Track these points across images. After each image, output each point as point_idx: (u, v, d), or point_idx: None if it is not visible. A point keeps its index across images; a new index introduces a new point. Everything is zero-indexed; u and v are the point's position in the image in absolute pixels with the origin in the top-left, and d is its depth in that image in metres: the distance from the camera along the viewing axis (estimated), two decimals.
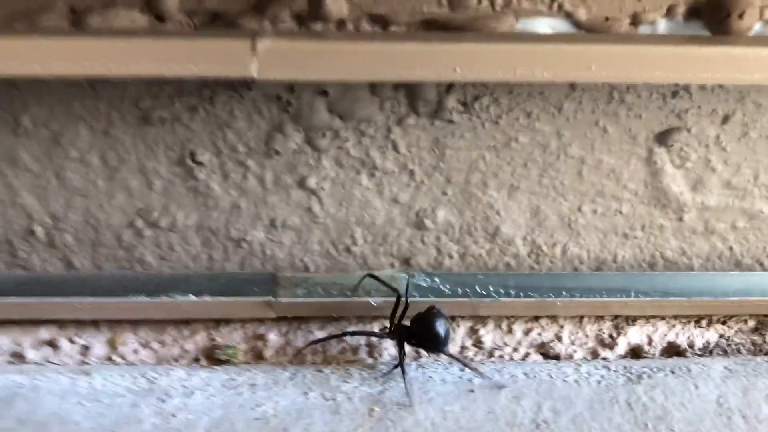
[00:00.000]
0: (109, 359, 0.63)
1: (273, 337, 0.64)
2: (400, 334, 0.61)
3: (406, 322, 0.62)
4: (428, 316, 0.61)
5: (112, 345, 0.64)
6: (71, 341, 0.64)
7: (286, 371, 0.59)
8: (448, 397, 0.55)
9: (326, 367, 0.60)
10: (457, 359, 0.61)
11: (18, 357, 0.64)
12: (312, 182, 0.65)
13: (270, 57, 0.53)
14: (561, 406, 0.54)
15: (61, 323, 0.65)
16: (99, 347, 0.64)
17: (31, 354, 0.63)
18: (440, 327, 0.60)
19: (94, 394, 0.56)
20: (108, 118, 0.62)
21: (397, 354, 0.59)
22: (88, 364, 0.62)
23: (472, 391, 0.56)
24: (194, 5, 0.59)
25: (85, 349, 0.64)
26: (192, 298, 0.64)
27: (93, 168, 0.64)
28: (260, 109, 0.62)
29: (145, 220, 0.66)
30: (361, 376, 0.58)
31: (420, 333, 0.60)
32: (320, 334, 0.64)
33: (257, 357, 0.63)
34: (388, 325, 0.62)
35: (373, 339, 0.64)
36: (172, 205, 0.66)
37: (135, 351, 0.64)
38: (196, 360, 0.62)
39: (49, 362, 0.63)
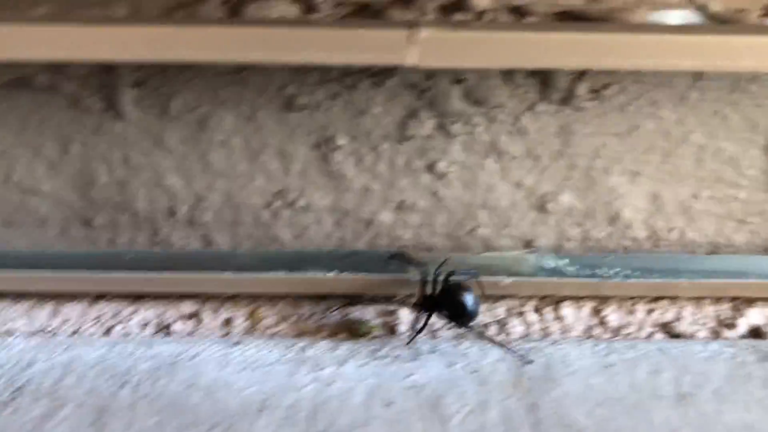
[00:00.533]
0: (251, 332, 0.67)
1: (404, 313, 0.68)
2: (428, 306, 0.65)
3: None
4: (456, 289, 0.65)
5: (253, 318, 0.68)
6: (214, 314, 0.68)
7: (425, 344, 0.62)
8: (589, 370, 0.58)
9: (464, 340, 0.63)
10: (485, 336, 0.64)
11: (164, 329, 0.67)
12: (441, 166, 0.68)
13: (430, 46, 0.56)
14: (700, 380, 0.57)
15: (203, 297, 0.69)
16: (240, 320, 0.68)
17: (177, 326, 0.67)
18: (468, 299, 0.64)
19: (249, 363, 0.60)
20: (253, 104, 0.66)
21: (422, 323, 0.64)
22: (231, 336, 0.66)
23: (610, 366, 0.59)
24: None
25: (227, 322, 0.68)
26: (329, 274, 0.68)
27: (236, 151, 0.68)
28: (397, 96, 0.65)
29: (282, 201, 0.69)
30: (501, 350, 0.61)
31: (447, 305, 0.64)
32: None
33: (391, 332, 0.66)
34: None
35: None
36: (308, 187, 0.69)
37: (275, 324, 0.68)
38: (335, 333, 0.66)
39: (193, 334, 0.67)
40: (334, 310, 0.67)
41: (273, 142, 0.67)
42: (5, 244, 0.71)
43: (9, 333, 0.66)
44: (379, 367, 0.59)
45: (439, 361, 0.60)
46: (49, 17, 0.62)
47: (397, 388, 0.57)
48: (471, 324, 0.65)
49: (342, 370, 0.59)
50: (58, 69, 0.64)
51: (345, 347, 0.62)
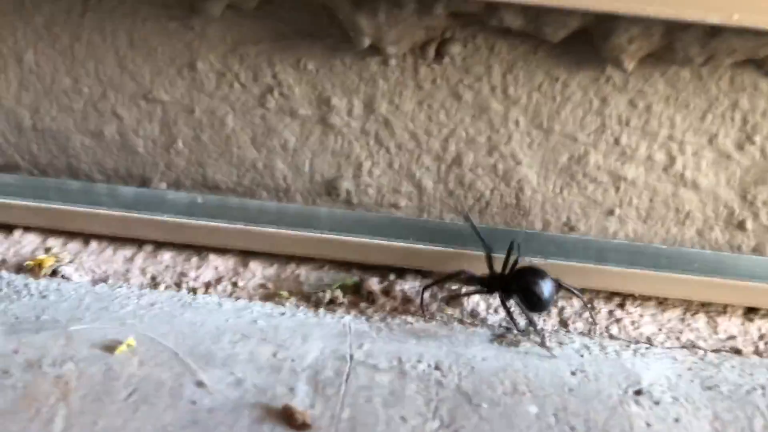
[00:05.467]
0: None
1: None
2: (496, 287, 0.55)
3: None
4: (529, 271, 0.54)
5: None
6: None
7: None
8: None
9: None
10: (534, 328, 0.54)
11: None
12: None
13: None
14: None
15: None
16: None
17: None
18: (542, 285, 0.53)
19: None
20: None
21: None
22: None
23: None
24: None
25: None
26: None
27: None
28: None
29: None
30: None
31: (517, 288, 0.54)
32: None
33: None
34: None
35: None
36: None
37: None
38: None
39: None
40: None
41: None
42: (640, 241, 0.62)
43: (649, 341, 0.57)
44: None
45: None
46: None
47: None
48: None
49: None
50: None
51: None
